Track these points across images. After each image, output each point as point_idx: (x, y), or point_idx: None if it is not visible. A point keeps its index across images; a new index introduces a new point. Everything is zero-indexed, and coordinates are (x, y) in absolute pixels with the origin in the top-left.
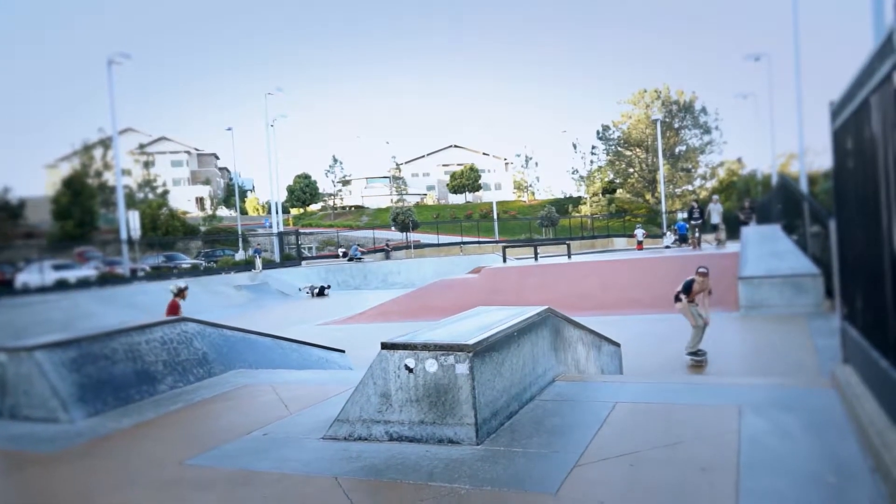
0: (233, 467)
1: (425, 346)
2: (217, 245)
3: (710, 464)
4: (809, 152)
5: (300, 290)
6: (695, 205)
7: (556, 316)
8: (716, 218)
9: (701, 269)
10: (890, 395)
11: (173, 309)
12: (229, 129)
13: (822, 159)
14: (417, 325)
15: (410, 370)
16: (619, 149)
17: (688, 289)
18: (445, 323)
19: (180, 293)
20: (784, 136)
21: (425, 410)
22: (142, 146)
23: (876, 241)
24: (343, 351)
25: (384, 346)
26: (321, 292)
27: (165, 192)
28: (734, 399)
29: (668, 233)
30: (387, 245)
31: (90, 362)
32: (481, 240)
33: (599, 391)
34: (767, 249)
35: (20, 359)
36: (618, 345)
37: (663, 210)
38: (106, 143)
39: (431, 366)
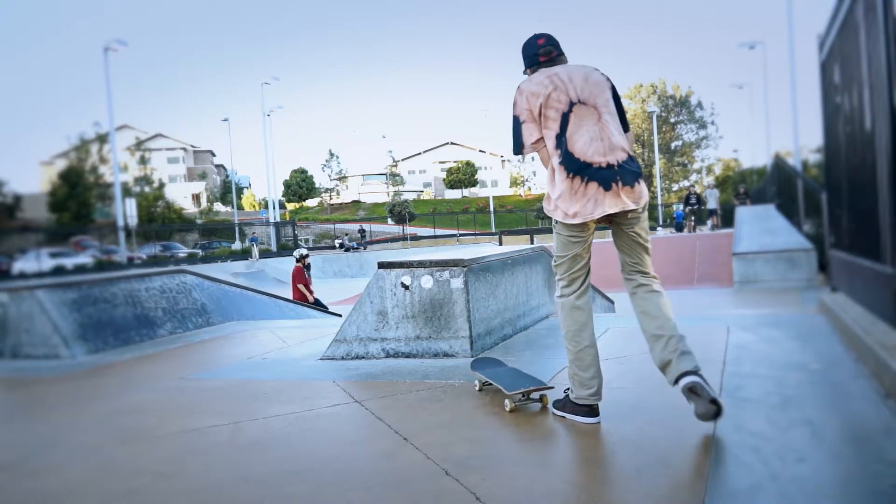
0: (233, 378)
1: (421, 264)
2: (214, 237)
3: (698, 360)
4: (804, 150)
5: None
6: (692, 191)
7: (550, 255)
8: (713, 203)
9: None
10: (874, 291)
11: (299, 273)
12: (225, 119)
13: (815, 157)
14: None
15: (406, 287)
16: None
17: None
18: (440, 250)
19: (302, 259)
20: (780, 134)
21: (421, 326)
22: (138, 142)
23: (862, 152)
24: (340, 315)
25: (381, 265)
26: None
27: (162, 186)
28: (724, 322)
29: (661, 229)
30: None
31: (90, 304)
32: (477, 232)
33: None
34: (761, 227)
35: (22, 298)
36: (612, 301)
37: (659, 204)
38: (102, 138)
39: (427, 282)
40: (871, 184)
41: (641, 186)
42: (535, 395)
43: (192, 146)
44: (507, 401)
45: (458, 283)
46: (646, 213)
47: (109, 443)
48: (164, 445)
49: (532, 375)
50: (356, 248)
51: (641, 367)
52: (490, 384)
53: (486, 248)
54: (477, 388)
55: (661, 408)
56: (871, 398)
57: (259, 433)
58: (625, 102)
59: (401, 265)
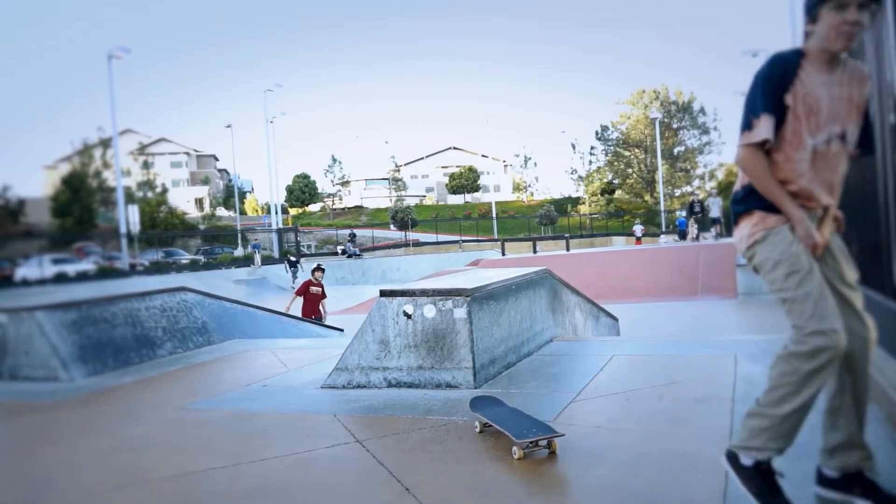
0: (232, 409)
1: (423, 293)
2: (216, 242)
3: (705, 397)
4: None
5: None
6: (695, 199)
7: (554, 278)
8: (715, 211)
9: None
10: (884, 326)
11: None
12: (228, 126)
13: None
14: None
15: (409, 316)
16: (618, 149)
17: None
18: (443, 276)
19: (313, 273)
20: None
21: (423, 356)
22: (141, 147)
23: (872, 181)
24: (342, 330)
25: (382, 293)
26: (293, 264)
27: (165, 191)
28: (731, 350)
29: (663, 236)
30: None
31: (90, 324)
32: (480, 238)
33: (597, 347)
34: None
35: (21, 319)
36: (616, 318)
37: (662, 210)
38: (105, 143)
39: (430, 311)
40: (884, 216)
41: (739, 228)
42: (543, 442)
43: (196, 151)
44: (515, 448)
45: (461, 312)
46: (763, 258)
47: (106, 487)
48: (162, 491)
49: (538, 419)
50: (359, 255)
51: (649, 404)
52: (491, 426)
53: (489, 273)
54: (477, 430)
55: (671, 455)
56: (886, 447)
57: (258, 479)
58: (627, 108)
59: (403, 293)
